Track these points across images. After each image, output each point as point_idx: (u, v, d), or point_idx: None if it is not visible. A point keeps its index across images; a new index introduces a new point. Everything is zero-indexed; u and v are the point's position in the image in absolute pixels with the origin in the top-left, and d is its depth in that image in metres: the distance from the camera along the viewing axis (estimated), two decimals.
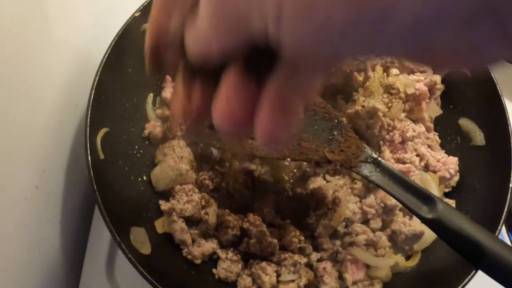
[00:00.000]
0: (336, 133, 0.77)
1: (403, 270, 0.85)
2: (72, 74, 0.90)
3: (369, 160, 0.74)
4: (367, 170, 0.74)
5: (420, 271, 0.85)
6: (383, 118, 0.85)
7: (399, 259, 0.84)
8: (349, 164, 0.74)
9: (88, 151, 0.76)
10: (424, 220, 0.71)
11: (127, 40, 0.87)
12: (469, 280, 0.76)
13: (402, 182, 0.72)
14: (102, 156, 0.80)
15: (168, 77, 0.94)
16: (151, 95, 0.94)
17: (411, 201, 0.71)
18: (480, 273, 0.74)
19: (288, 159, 0.77)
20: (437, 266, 0.84)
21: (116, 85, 0.87)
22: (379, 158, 0.74)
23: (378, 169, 0.73)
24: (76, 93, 0.90)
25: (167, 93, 0.93)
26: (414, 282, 0.84)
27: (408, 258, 0.86)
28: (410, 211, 0.72)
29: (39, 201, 0.82)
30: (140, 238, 0.78)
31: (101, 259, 0.91)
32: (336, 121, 0.78)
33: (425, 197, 0.71)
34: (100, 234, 0.93)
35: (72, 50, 0.90)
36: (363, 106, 0.86)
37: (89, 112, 0.79)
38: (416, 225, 0.84)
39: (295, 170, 0.89)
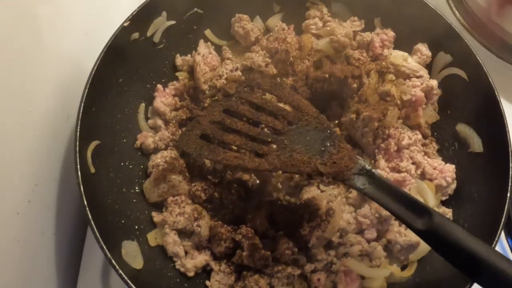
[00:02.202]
0: (328, 144, 0.75)
1: (399, 280, 0.83)
2: (63, 86, 0.89)
3: (362, 172, 0.72)
4: (360, 182, 0.72)
5: (416, 281, 0.83)
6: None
7: (395, 269, 0.83)
8: (342, 177, 0.73)
9: (78, 166, 0.75)
10: (418, 233, 0.70)
11: (117, 50, 0.86)
12: None
13: (396, 194, 0.71)
14: (92, 170, 0.79)
15: (159, 86, 0.93)
16: (142, 105, 0.93)
17: (405, 213, 0.70)
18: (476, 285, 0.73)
19: (280, 172, 0.75)
20: (433, 277, 0.83)
21: (106, 96, 0.86)
22: (373, 170, 0.73)
23: (371, 181, 0.72)
24: (67, 105, 0.89)
25: (158, 102, 0.91)
26: None
27: (403, 268, 0.85)
28: (404, 224, 0.71)
29: (32, 215, 0.82)
30: (132, 252, 0.78)
31: (96, 271, 0.91)
32: (329, 131, 0.76)
33: (420, 209, 0.70)
34: (95, 246, 0.91)
35: (63, 61, 0.89)
36: (357, 114, 0.84)
37: (79, 126, 0.78)
38: (412, 235, 0.82)
39: (290, 183, 0.88)
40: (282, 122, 0.79)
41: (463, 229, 0.70)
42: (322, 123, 0.77)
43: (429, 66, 0.94)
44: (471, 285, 0.75)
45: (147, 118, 0.93)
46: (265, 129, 0.82)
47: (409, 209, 0.70)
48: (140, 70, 0.92)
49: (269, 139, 0.77)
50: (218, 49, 0.98)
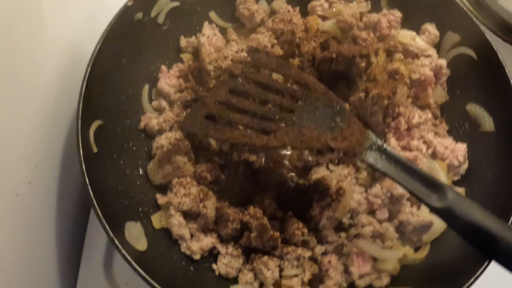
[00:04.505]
0: (338, 119, 0.73)
1: (412, 262, 0.81)
2: (65, 68, 0.87)
3: (373, 147, 0.71)
4: (372, 157, 0.70)
5: (429, 263, 0.81)
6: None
7: (408, 251, 0.81)
8: (353, 152, 0.71)
9: (80, 144, 0.73)
10: (433, 210, 0.68)
11: (120, 30, 0.84)
12: (481, 272, 0.72)
13: (409, 169, 0.69)
14: (95, 150, 0.77)
15: (163, 67, 0.91)
16: (146, 86, 0.91)
17: (419, 189, 0.68)
18: (492, 266, 0.71)
19: (289, 148, 0.73)
20: (447, 258, 0.80)
21: (109, 76, 0.84)
22: (385, 145, 0.71)
23: (383, 157, 0.70)
24: (69, 87, 0.88)
25: (162, 83, 0.89)
26: (423, 275, 0.80)
27: (417, 250, 0.82)
28: (419, 200, 0.69)
29: (33, 198, 0.80)
30: (135, 233, 0.75)
31: (98, 256, 0.89)
32: (338, 107, 0.75)
33: (434, 185, 0.68)
34: (98, 232, 0.90)
35: (65, 42, 0.87)
36: (366, 93, 0.82)
37: (81, 104, 0.76)
38: (424, 215, 0.80)
39: (297, 163, 0.86)
40: (290, 100, 0.77)
41: (479, 206, 0.68)
42: (331, 99, 0.76)
43: (437, 46, 0.93)
44: (488, 264, 0.72)
45: (151, 100, 0.91)
46: (272, 108, 0.80)
47: (423, 185, 0.68)
48: (144, 51, 0.90)
49: (277, 117, 0.75)
50: (223, 31, 0.96)
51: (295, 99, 0.77)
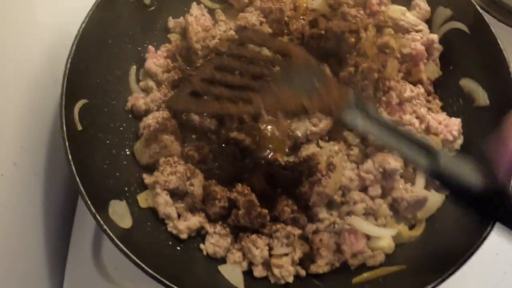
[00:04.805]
0: (316, 81, 0.70)
1: (407, 240, 0.78)
2: (51, 49, 0.86)
3: (355, 107, 0.66)
4: (352, 117, 0.65)
5: (425, 241, 0.78)
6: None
7: (402, 228, 0.78)
8: (330, 112, 0.68)
9: (63, 120, 0.72)
10: (427, 173, 0.64)
11: (107, 8, 0.83)
12: (478, 247, 0.69)
13: (396, 131, 0.64)
14: (79, 127, 0.76)
15: (151, 48, 0.90)
16: (134, 67, 0.90)
17: (408, 152, 0.63)
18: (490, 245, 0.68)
19: (263, 112, 0.71)
20: (444, 235, 0.77)
21: (95, 56, 0.83)
22: (366, 106, 0.66)
23: (366, 118, 0.65)
24: (56, 68, 0.86)
25: (150, 63, 0.88)
26: (419, 253, 0.77)
27: (412, 227, 0.80)
28: (411, 161, 0.65)
29: (19, 179, 0.78)
30: (120, 211, 0.74)
31: (87, 242, 0.87)
32: (317, 70, 0.72)
33: (425, 149, 0.63)
34: (86, 217, 0.87)
35: (52, 24, 0.87)
36: (356, 67, 0.80)
37: (65, 81, 0.75)
38: (418, 190, 0.78)
39: (286, 140, 0.84)
40: (269, 67, 0.75)
41: (474, 167, 0.65)
42: (311, 64, 0.73)
43: (429, 22, 0.91)
44: (484, 240, 0.69)
45: (138, 81, 0.90)
46: (252, 78, 0.77)
47: (412, 148, 0.64)
48: (131, 32, 0.89)
49: (255, 86, 0.73)
50: (211, 12, 0.95)
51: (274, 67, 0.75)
